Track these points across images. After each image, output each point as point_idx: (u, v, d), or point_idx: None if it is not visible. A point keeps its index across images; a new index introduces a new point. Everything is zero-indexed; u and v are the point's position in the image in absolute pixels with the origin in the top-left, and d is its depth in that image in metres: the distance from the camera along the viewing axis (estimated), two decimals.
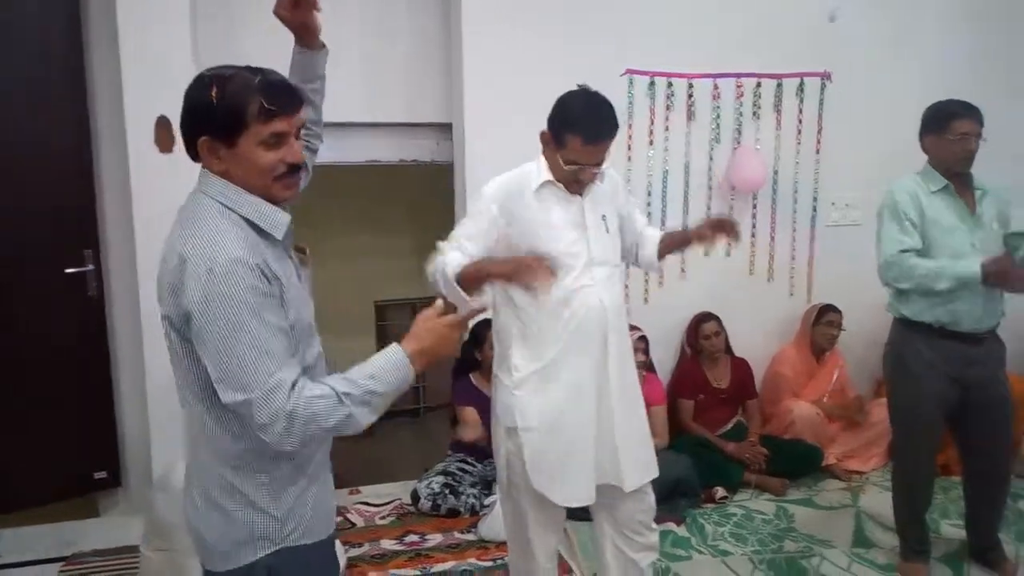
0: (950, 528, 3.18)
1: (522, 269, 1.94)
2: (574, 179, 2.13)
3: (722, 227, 2.25)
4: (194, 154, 1.40)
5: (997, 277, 2.51)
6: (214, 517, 1.44)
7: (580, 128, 2.05)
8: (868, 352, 3.72)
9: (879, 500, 3.32)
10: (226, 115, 1.34)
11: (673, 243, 2.38)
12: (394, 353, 1.41)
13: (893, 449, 3.02)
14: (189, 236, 1.34)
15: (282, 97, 1.37)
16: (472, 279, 2.04)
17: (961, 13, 4.00)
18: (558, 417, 2.18)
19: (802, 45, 3.84)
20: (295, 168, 1.42)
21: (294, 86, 1.44)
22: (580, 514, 2.54)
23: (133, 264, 3.18)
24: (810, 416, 3.69)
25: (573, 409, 2.18)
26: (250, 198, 1.39)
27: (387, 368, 1.39)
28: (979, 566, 2.91)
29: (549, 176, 2.14)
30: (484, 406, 2.64)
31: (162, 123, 3.09)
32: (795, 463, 3.63)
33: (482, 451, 3.14)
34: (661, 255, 2.39)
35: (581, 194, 2.17)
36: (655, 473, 2.33)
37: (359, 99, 3.58)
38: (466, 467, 3.48)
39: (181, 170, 1.60)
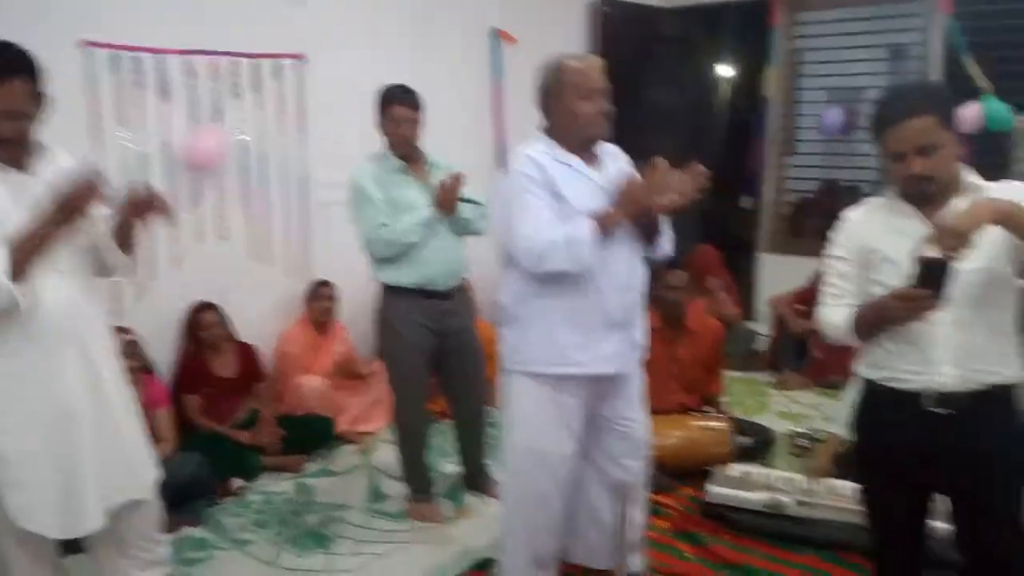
0: (450, 465, 3.57)
1: (74, 199, 1.87)
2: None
3: (141, 206, 2.09)
4: None
5: (443, 202, 2.88)
6: None
7: None
8: (367, 319, 3.98)
9: (388, 454, 3.55)
10: None
11: (122, 236, 2.15)
12: None
13: (392, 404, 3.27)
14: None
15: None
16: (25, 261, 1.86)
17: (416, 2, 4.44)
18: (42, 442, 1.94)
19: (276, 26, 3.86)
20: None
21: None
22: (73, 546, 2.24)
23: None
24: (319, 389, 3.81)
25: (60, 429, 1.95)
26: None
27: None
28: (472, 492, 3.32)
29: None
30: None
31: None
32: (310, 437, 3.72)
33: None
34: (125, 251, 2.16)
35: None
36: (156, 474, 2.20)
37: None
38: None
39: None
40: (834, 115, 5.18)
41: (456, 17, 4.64)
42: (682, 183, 2.12)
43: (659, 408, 3.69)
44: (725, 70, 6.32)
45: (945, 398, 1.79)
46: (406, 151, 3.00)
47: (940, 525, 2.03)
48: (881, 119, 1.77)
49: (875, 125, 1.79)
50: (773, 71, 5.41)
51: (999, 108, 4.41)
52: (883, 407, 1.92)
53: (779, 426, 3.93)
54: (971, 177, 1.83)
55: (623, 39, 5.43)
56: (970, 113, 4.42)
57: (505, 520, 2.44)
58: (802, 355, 4.69)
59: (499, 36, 4.84)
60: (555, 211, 2.15)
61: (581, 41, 5.39)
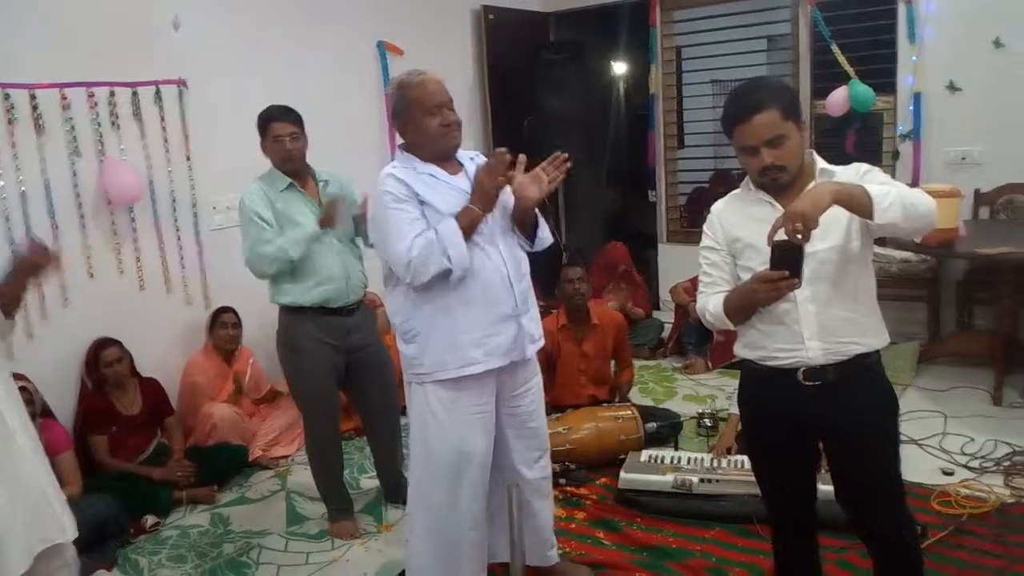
0: (368, 481, 3.58)
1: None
2: None
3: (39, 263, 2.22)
4: None
5: (326, 221, 2.91)
6: None
7: None
8: (273, 343, 3.93)
9: (305, 476, 3.52)
10: None
11: (10, 296, 2.23)
12: None
13: (303, 425, 3.25)
14: None
15: None
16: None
17: (297, 21, 4.41)
18: None
19: (154, 53, 3.78)
20: None
21: None
22: None
23: None
24: (229, 416, 3.75)
25: None
26: None
27: None
28: (393, 504, 3.33)
29: None
30: None
31: None
32: (223, 466, 3.66)
33: None
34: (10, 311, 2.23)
35: None
36: (73, 520, 2.20)
37: None
38: None
39: None
40: None
41: (341, 32, 4.64)
42: (541, 174, 2.25)
43: (571, 403, 3.81)
44: (619, 70, 6.50)
45: (814, 371, 1.92)
46: (293, 168, 2.99)
47: (829, 488, 2.16)
48: (730, 118, 1.89)
49: (725, 124, 1.91)
50: (655, 68, 5.61)
51: (863, 91, 4.69)
52: (761, 384, 2.04)
53: (687, 409, 4.08)
54: (821, 162, 1.97)
55: (510, 45, 5.53)
56: (838, 97, 4.69)
57: (423, 533, 2.45)
58: (705, 339, 4.88)
59: (386, 48, 4.86)
60: (425, 221, 2.21)
61: (467, 50, 5.46)
